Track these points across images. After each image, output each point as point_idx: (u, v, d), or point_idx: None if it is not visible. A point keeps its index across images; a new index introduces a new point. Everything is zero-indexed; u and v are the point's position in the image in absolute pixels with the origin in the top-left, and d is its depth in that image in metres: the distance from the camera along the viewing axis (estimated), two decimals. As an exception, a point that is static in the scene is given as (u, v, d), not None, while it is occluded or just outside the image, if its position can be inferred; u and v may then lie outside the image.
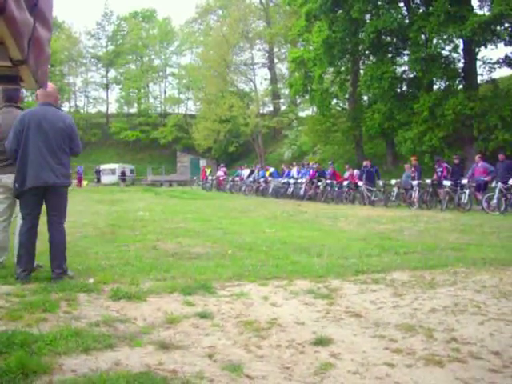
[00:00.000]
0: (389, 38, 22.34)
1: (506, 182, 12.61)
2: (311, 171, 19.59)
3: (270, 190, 20.74)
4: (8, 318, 3.05)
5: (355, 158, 26.16)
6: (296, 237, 7.44)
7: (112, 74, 56.57)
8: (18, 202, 4.31)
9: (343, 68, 26.30)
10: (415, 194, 14.62)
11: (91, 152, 46.33)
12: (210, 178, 28.32)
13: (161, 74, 56.45)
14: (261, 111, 42.60)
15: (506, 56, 19.50)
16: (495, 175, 13.24)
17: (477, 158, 14.47)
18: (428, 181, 14.96)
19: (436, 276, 4.63)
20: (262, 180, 22.33)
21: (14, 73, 1.82)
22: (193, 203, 16.42)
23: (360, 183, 16.97)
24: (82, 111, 55.69)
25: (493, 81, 20.35)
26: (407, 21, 20.72)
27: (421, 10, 20.92)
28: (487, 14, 18.15)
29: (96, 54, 56.08)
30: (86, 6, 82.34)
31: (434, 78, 20.59)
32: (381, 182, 16.72)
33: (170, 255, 5.62)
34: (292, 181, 19.83)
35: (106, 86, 56.66)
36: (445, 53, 20.01)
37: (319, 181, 18.65)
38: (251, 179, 23.48)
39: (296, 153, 33.69)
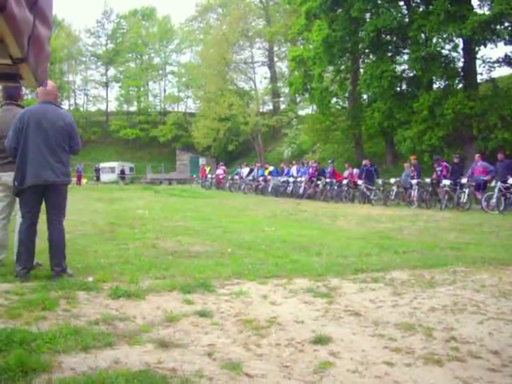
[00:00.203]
0: (389, 37, 22.29)
1: (505, 182, 12.62)
2: (310, 170, 19.59)
3: (270, 189, 20.73)
4: (7, 316, 3.04)
5: (355, 156, 26.14)
6: (295, 235, 7.45)
7: (112, 72, 56.63)
8: (17, 200, 4.30)
9: (343, 67, 26.26)
10: (414, 193, 14.63)
11: (91, 150, 46.27)
12: (209, 176, 28.30)
13: (160, 72, 56.38)
14: (260, 110, 42.50)
15: (506, 55, 19.49)
16: (495, 174, 13.25)
17: (476, 157, 14.48)
18: (427, 180, 14.96)
19: (435, 275, 4.64)
20: (261, 178, 22.32)
21: (14, 71, 1.82)
22: (192, 201, 16.40)
23: (359, 182, 16.99)
24: (81, 109, 55.56)
25: (492, 80, 20.31)
26: (407, 20, 20.66)
27: (421, 9, 20.85)
28: (487, 13, 18.11)
29: (96, 52, 56.01)
30: (86, 4, 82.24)
31: (434, 77, 20.56)
32: (380, 181, 16.71)
33: (170, 253, 5.60)
34: (291, 179, 19.85)
35: (106, 84, 56.58)
36: (445, 52, 20.01)
37: (319, 179, 18.65)
38: (251, 178, 23.48)
39: (295, 151, 33.65)
